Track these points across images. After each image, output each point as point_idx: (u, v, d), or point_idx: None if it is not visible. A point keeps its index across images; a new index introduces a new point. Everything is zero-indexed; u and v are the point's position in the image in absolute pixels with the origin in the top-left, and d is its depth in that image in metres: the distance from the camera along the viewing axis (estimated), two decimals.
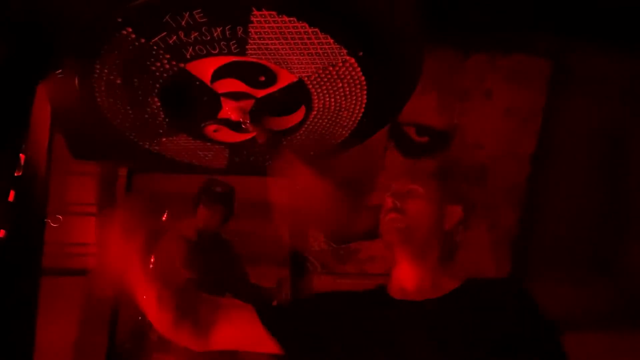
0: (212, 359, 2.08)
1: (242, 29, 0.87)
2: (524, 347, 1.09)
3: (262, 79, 1.00)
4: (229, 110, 1.07)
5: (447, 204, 1.27)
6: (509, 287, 1.21)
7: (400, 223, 1.22)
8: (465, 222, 1.30)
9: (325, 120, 1.11)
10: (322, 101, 1.05)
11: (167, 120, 1.10)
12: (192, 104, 1.08)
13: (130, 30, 0.88)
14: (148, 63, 0.95)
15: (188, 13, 0.84)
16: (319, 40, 0.89)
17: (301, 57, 0.94)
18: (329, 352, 1.20)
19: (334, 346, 1.19)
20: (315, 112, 1.09)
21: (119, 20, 0.86)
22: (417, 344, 1.13)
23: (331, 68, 0.96)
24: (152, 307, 1.19)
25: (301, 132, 1.15)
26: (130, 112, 1.08)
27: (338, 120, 1.11)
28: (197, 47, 0.91)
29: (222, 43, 0.90)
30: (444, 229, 1.26)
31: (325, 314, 1.24)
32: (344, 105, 1.06)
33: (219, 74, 1.00)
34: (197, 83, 1.02)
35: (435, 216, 1.25)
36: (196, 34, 0.88)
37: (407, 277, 1.25)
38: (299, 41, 0.89)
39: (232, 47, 0.91)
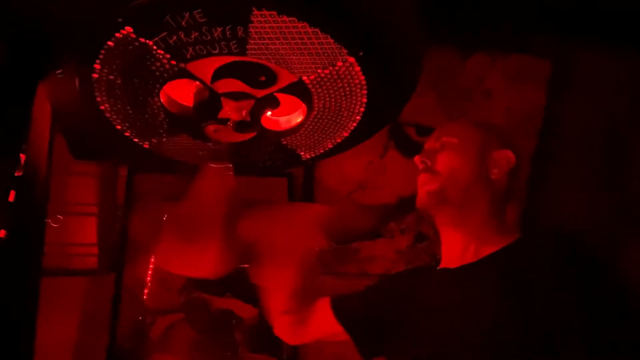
0: (212, 359, 2.09)
1: (242, 29, 0.87)
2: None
3: (263, 79, 1.00)
4: (229, 110, 1.07)
5: (492, 149, 1.10)
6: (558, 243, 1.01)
7: (431, 185, 1.09)
8: (518, 167, 1.11)
9: (325, 120, 1.11)
10: (322, 101, 1.05)
11: (167, 120, 1.10)
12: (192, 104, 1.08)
13: (130, 30, 0.88)
14: (148, 63, 0.95)
15: (188, 13, 0.84)
16: (319, 40, 0.89)
17: (301, 57, 0.94)
18: (390, 334, 1.16)
19: (394, 327, 1.14)
20: (315, 112, 1.09)
21: (119, 20, 0.86)
22: (451, 313, 1.01)
23: (331, 68, 0.96)
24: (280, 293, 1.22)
25: (301, 132, 1.15)
26: (130, 112, 1.08)
27: (338, 120, 1.10)
28: (197, 47, 0.91)
29: (222, 43, 0.90)
30: (490, 180, 1.08)
31: (385, 297, 1.21)
32: (344, 105, 1.06)
33: (219, 74, 1.00)
34: (197, 83, 1.02)
35: (475, 167, 1.08)
36: (196, 34, 0.88)
37: (450, 244, 1.10)
38: (299, 41, 0.89)
39: (232, 47, 0.91)
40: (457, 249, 1.10)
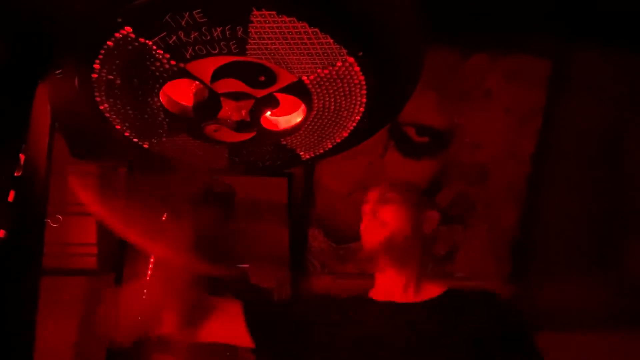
0: (212, 358, 2.08)
1: (242, 29, 0.87)
2: (498, 350, 1.13)
3: (262, 79, 1.00)
4: (229, 110, 1.07)
5: (424, 209, 1.31)
6: (485, 298, 1.25)
7: (381, 234, 1.26)
8: (439, 226, 1.36)
9: (325, 120, 1.11)
10: (322, 101, 1.05)
11: (167, 120, 1.10)
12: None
13: (130, 30, 0.88)
14: (148, 63, 0.95)
15: (188, 13, 0.84)
16: (319, 40, 0.89)
17: (301, 57, 0.94)
18: (301, 356, 1.22)
19: (311, 351, 1.21)
20: (315, 112, 1.09)
21: (119, 20, 0.86)
22: (397, 345, 1.15)
23: (331, 68, 0.96)
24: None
25: (301, 132, 1.15)
26: (130, 112, 1.08)
27: (338, 120, 1.10)
28: (197, 47, 0.91)
29: (222, 43, 0.90)
30: (423, 232, 1.29)
31: (308, 317, 1.26)
32: (344, 105, 1.06)
33: (219, 74, 1.00)
34: (197, 83, 1.02)
35: (413, 222, 1.27)
36: (196, 34, 0.88)
37: (392, 283, 1.28)
38: (299, 41, 0.89)
39: (232, 47, 0.91)
40: (399, 286, 1.27)
